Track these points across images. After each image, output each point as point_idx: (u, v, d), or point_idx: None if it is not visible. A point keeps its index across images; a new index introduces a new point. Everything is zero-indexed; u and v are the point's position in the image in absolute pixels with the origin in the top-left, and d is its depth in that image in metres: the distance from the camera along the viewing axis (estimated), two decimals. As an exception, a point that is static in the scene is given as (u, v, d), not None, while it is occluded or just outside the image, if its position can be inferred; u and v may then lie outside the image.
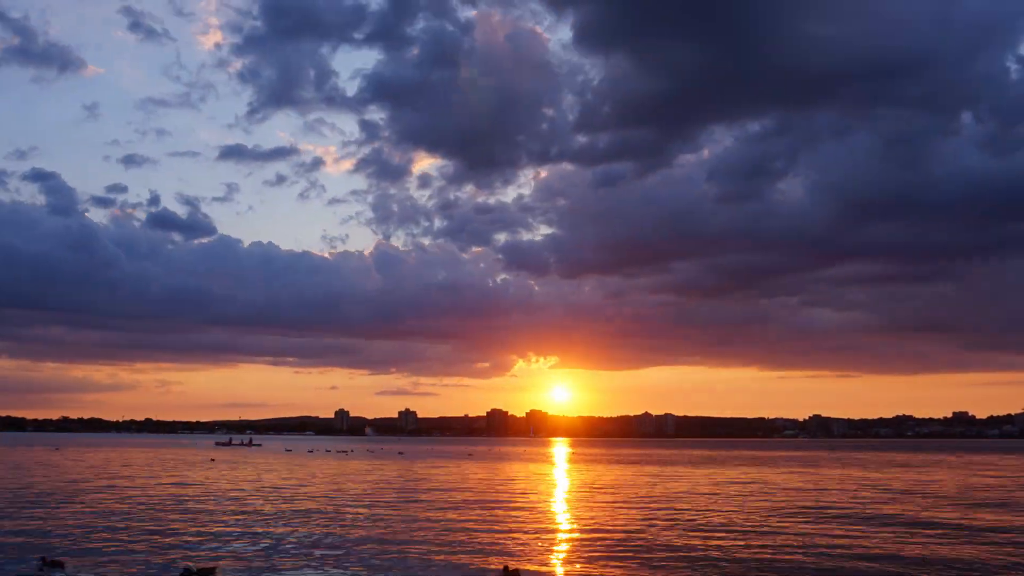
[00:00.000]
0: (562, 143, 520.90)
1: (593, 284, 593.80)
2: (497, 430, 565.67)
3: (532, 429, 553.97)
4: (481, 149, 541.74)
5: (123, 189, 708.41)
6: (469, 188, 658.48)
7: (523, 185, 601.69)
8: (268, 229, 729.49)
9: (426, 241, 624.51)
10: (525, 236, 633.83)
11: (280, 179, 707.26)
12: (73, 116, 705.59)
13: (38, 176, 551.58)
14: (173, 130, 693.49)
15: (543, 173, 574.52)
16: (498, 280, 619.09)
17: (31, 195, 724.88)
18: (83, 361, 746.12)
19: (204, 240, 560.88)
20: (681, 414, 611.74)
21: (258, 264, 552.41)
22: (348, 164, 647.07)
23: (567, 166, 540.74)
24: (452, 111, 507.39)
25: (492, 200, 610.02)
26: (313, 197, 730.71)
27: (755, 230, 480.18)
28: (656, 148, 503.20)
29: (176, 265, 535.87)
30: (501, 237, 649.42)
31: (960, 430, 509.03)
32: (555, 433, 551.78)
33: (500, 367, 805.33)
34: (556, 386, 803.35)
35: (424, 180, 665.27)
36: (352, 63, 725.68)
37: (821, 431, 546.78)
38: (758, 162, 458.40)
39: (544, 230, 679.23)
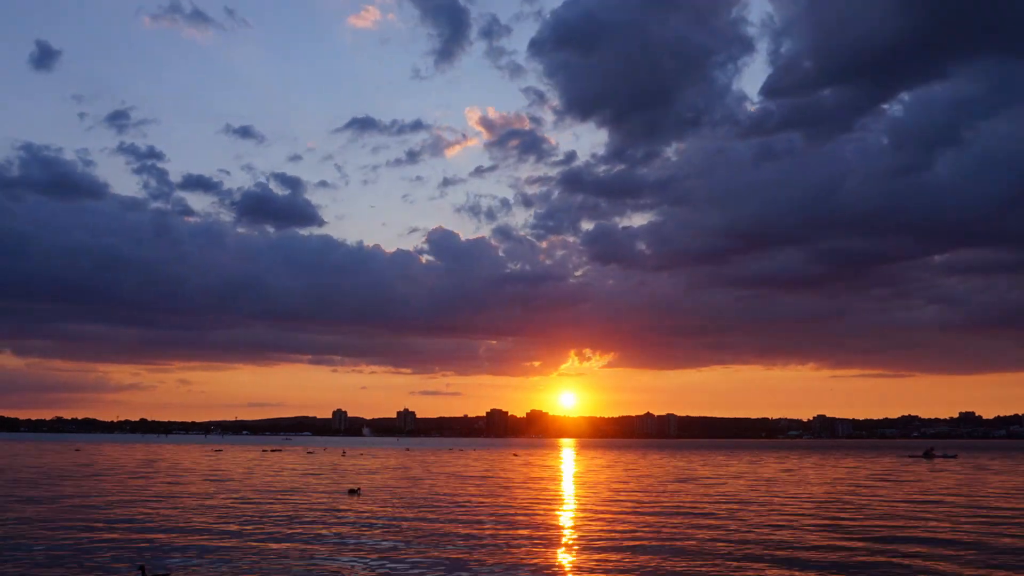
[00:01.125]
0: (730, 109, 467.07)
1: (679, 276, 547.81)
2: (496, 430, 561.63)
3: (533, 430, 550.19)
4: (640, 118, 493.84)
5: (226, 171, 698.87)
6: (619, 167, 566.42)
7: (666, 162, 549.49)
8: (358, 217, 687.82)
9: (521, 231, 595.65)
10: (621, 223, 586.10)
11: (409, 157, 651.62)
12: (202, 87, 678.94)
13: (145, 154, 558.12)
14: (300, 104, 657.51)
15: (696, 146, 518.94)
16: (576, 273, 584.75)
17: (126, 175, 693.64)
18: (119, 361, 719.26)
19: (293, 230, 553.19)
20: (684, 414, 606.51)
21: (318, 258, 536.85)
22: (471, 143, 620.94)
23: (726, 136, 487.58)
24: (623, 71, 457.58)
25: (638, 172, 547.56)
26: (428, 179, 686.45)
27: (895, 210, 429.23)
28: (841, 111, 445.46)
29: (238, 258, 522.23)
30: (589, 225, 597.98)
31: (967, 430, 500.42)
32: (559, 434, 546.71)
33: (550, 366, 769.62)
34: (589, 386, 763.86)
35: (568, 157, 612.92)
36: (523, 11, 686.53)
37: (826, 432, 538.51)
38: (940, 128, 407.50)
39: (646, 216, 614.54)
